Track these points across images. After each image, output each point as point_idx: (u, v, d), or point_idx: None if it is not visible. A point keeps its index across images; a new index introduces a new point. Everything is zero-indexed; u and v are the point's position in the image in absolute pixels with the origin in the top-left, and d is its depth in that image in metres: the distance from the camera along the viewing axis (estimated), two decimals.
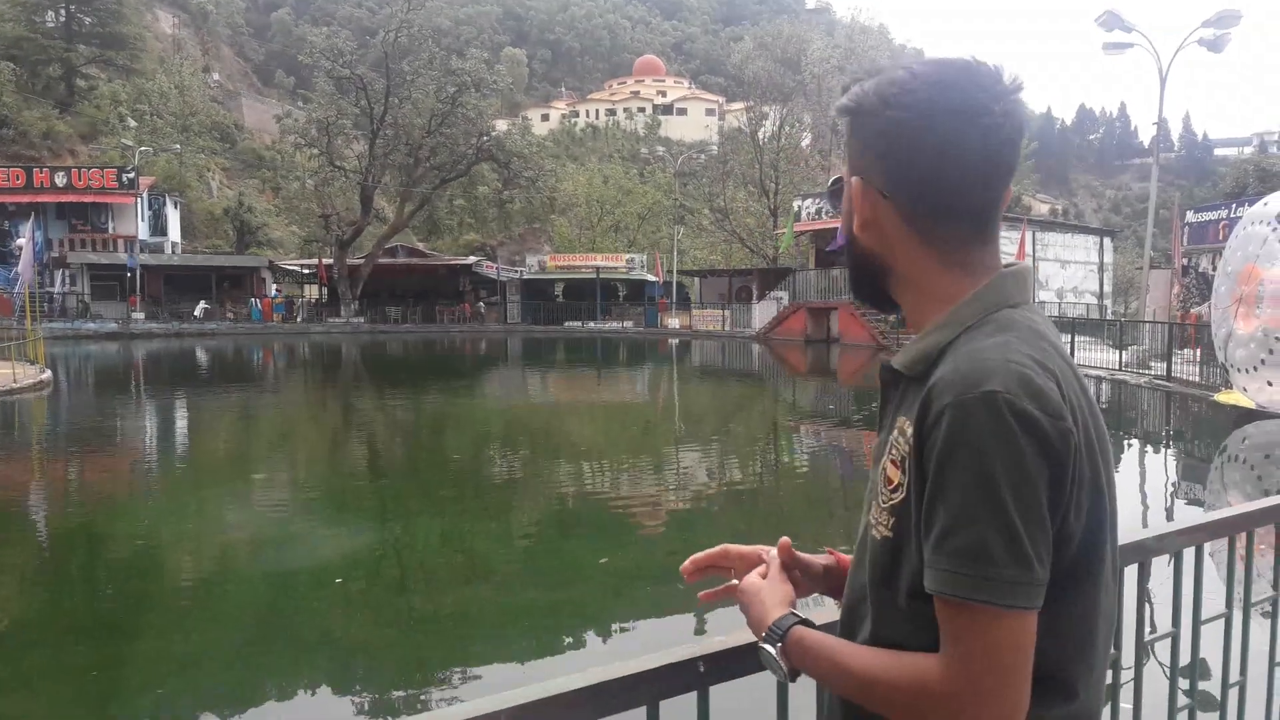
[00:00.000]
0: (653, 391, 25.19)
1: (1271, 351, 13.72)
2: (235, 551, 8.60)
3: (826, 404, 21.56)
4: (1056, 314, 33.63)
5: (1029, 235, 32.45)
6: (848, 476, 12.76)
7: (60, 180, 48.81)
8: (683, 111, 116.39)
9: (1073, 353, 18.39)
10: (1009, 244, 37.16)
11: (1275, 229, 14.12)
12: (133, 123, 68.99)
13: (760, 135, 53.78)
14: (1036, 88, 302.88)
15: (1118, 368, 21.86)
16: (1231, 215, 24.82)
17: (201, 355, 34.46)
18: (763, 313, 41.59)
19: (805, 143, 57.39)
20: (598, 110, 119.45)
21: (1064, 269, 38.08)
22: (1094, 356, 23.07)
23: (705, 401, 22.40)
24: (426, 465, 13.37)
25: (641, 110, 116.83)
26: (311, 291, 54.29)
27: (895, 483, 1.07)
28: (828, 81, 52.15)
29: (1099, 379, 21.14)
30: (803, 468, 13.58)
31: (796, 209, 42.31)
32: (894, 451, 1.07)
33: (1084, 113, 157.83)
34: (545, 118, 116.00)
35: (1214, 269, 20.74)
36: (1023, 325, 1.06)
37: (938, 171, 1.09)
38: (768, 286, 43.68)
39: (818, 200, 42.31)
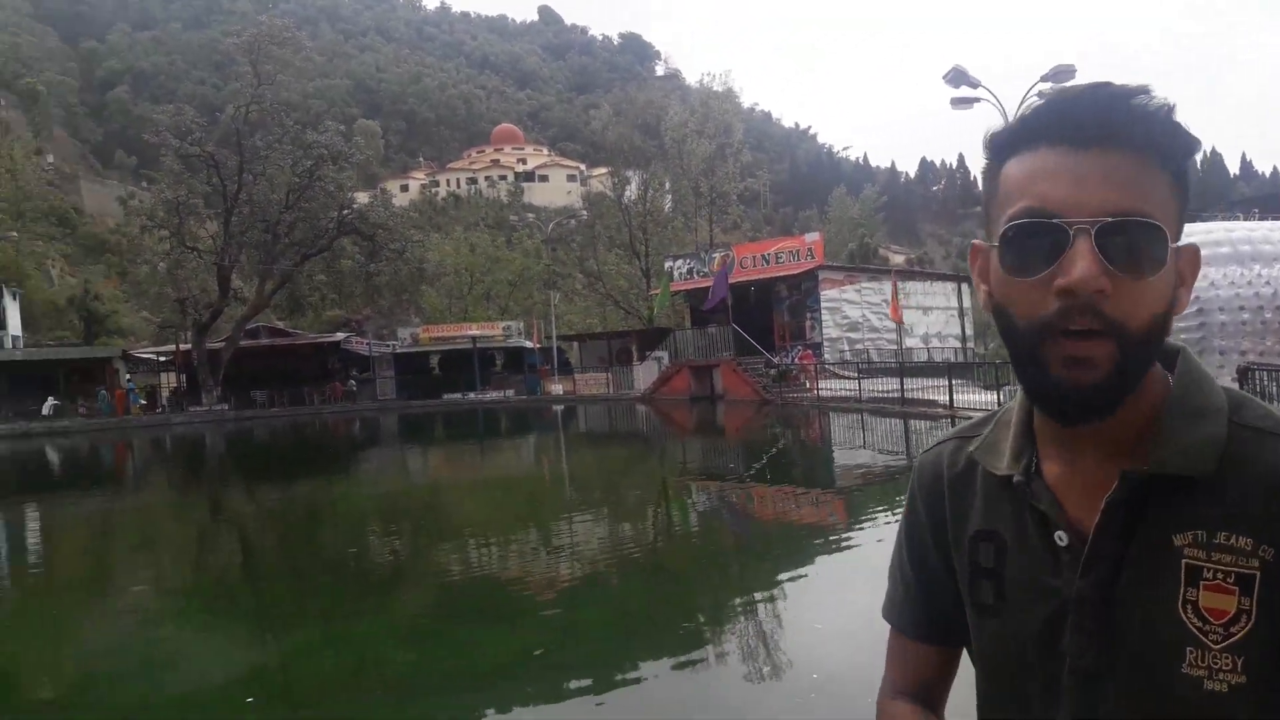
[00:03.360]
0: (543, 461, 24.65)
1: None
2: (106, 676, 7.69)
3: (721, 460, 21.47)
4: (925, 359, 34.81)
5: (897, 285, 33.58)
6: (743, 533, 12.59)
7: None
8: (544, 178, 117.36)
9: (951, 397, 18.87)
10: (875, 294, 38.55)
11: None
12: None
13: (625, 199, 54.50)
14: (880, 144, 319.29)
15: (997, 408, 22.57)
16: None
17: (53, 456, 32.01)
18: (645, 373, 41.62)
19: (668, 206, 58.45)
20: (458, 179, 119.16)
21: (926, 315, 39.57)
22: (971, 399, 23.82)
23: (600, 466, 21.99)
24: (312, 563, 12.50)
25: (503, 178, 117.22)
26: (170, 380, 51.53)
27: (1231, 613, 0.89)
28: (687, 145, 53.38)
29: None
30: (704, 527, 13.33)
31: (669, 269, 42.80)
32: (1215, 575, 0.89)
33: (926, 165, 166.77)
34: (405, 188, 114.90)
35: None
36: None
37: None
38: (647, 347, 43.83)
39: (688, 260, 42.95)
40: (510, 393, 47.56)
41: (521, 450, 27.87)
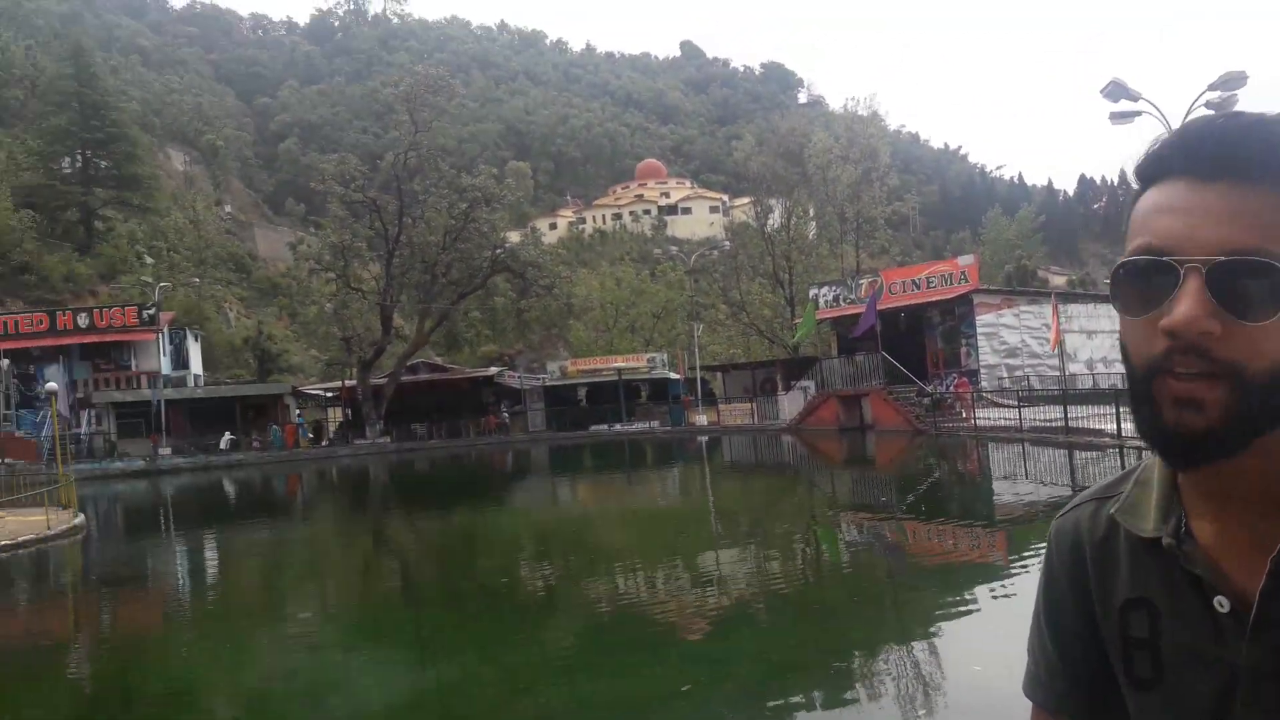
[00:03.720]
0: (690, 493, 24.64)
1: None
2: (279, 700, 8.10)
3: (873, 493, 20.96)
4: (1091, 385, 33.08)
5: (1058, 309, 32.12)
6: (897, 569, 12.20)
7: (83, 321, 49.38)
8: (687, 210, 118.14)
9: (1119, 425, 17.73)
10: (1034, 318, 36.98)
11: None
12: (150, 260, 70.41)
13: (768, 228, 54.28)
14: (1035, 162, 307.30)
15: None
16: None
17: (230, 488, 34.15)
18: (790, 403, 41.13)
19: (812, 233, 57.88)
20: (604, 215, 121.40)
21: (1091, 339, 37.63)
22: None
23: (747, 499, 21.79)
24: (469, 590, 12.84)
25: (647, 212, 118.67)
26: (336, 414, 54.25)
27: None
28: (831, 171, 52.83)
29: None
30: (855, 562, 12.99)
31: (814, 297, 42.24)
32: None
33: (1085, 182, 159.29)
34: (553, 226, 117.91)
35: None
36: None
37: None
38: (792, 377, 43.34)
39: (834, 287, 42.30)
40: (655, 424, 47.85)
41: (668, 482, 27.95)
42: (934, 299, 37.11)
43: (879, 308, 35.77)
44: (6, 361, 46.81)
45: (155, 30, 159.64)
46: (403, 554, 16.90)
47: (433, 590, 13.25)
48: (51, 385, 27.86)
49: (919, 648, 8.13)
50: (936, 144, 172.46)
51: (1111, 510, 1.03)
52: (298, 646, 10.03)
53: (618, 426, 47.38)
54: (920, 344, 38.22)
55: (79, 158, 76.39)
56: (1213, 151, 0.84)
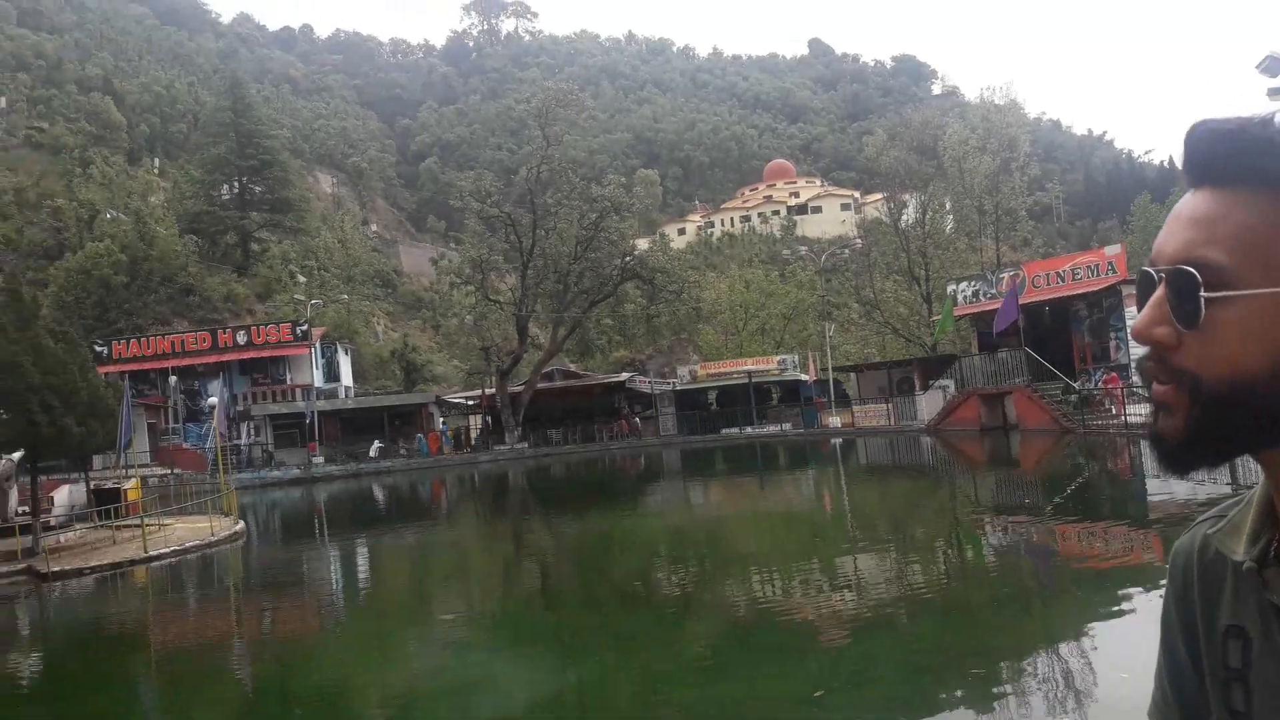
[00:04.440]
0: (825, 495, 24.32)
1: None
2: (426, 697, 8.46)
3: (1017, 495, 20.23)
4: None
5: None
6: (1044, 573, 11.75)
7: (241, 339, 52.56)
8: (817, 210, 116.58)
9: None
10: None
11: None
12: (302, 278, 74.26)
13: (902, 223, 53.07)
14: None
15: None
16: None
17: (379, 494, 35.67)
18: (929, 403, 40.04)
19: (949, 227, 56.27)
20: (732, 218, 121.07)
21: None
22: None
23: (885, 502, 21.36)
24: (607, 592, 13.09)
25: (776, 213, 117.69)
26: (477, 421, 55.97)
27: None
28: (968, 163, 51.27)
29: None
30: (1000, 565, 12.57)
31: (952, 293, 41.05)
32: None
33: None
34: (682, 232, 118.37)
35: None
36: None
37: None
38: (930, 376, 42.20)
39: (973, 282, 41.02)
40: (786, 426, 47.38)
41: (802, 484, 27.68)
42: (1080, 291, 35.51)
43: (1021, 302, 34.50)
44: (175, 378, 50.26)
45: (304, 60, 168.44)
46: (543, 556, 17.31)
47: (572, 592, 13.55)
48: (213, 399, 29.72)
49: (1063, 653, 7.85)
50: (1079, 130, 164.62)
51: (1210, 531, 0.98)
52: (445, 646, 10.44)
53: (749, 429, 47.16)
54: (1066, 339, 36.65)
55: (236, 184, 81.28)
56: (1193, 159, 0.84)
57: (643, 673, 8.61)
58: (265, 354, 52.21)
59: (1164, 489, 17.99)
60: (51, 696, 9.84)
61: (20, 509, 20.26)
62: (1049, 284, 36.63)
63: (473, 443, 51.58)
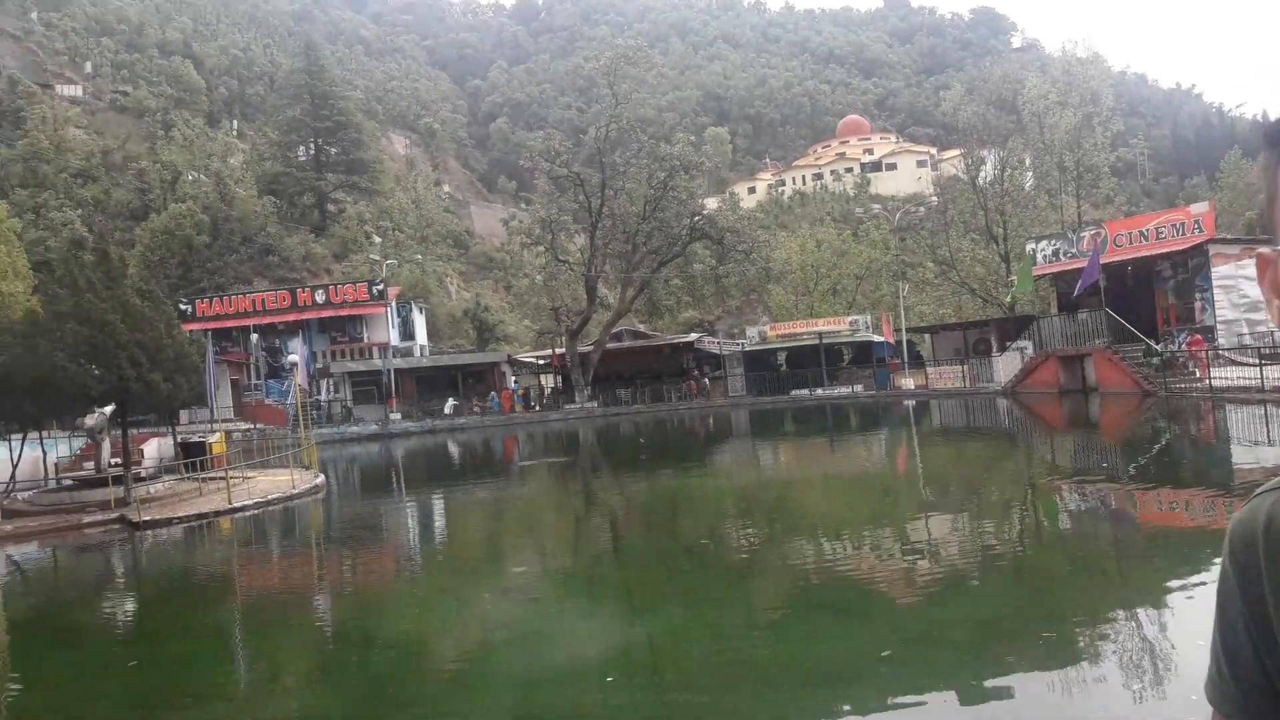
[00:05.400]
0: (897, 457, 24.10)
1: None
2: (500, 647, 8.68)
3: (1096, 459, 19.79)
4: None
5: None
6: (1121, 537, 11.52)
7: (320, 298, 53.75)
8: (892, 167, 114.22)
9: None
10: None
11: None
12: (378, 239, 75.47)
13: (980, 180, 51.77)
14: None
15: None
16: None
17: (454, 449, 36.36)
18: (1006, 365, 39.25)
19: (1028, 184, 54.73)
20: (804, 176, 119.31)
21: None
22: None
23: (959, 464, 21.08)
24: (675, 550, 13.21)
25: (849, 170, 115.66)
26: (547, 380, 56.53)
27: None
28: (1048, 118, 49.68)
29: None
30: (1076, 530, 12.35)
31: (1030, 252, 40.01)
32: None
33: None
34: (752, 190, 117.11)
35: None
36: None
37: None
38: (1007, 337, 41.32)
39: (1053, 241, 39.91)
40: (858, 388, 46.90)
41: (873, 446, 27.45)
42: (1164, 251, 34.32)
43: (1102, 261, 33.49)
44: (256, 335, 51.67)
45: (375, 21, 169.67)
46: (613, 513, 17.52)
47: (641, 548, 13.71)
48: (294, 357, 30.49)
49: (1140, 620, 7.73)
50: (1166, 84, 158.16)
51: (1275, 503, 0.95)
52: (517, 598, 10.68)
53: (819, 391, 46.81)
54: (1149, 299, 35.53)
55: (312, 146, 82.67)
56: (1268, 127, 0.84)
57: (712, 629, 8.70)
58: (343, 312, 53.35)
59: (1250, 455, 17.45)
60: (145, 638, 10.34)
61: (113, 461, 21.16)
62: (1131, 243, 35.47)
63: (543, 401, 52.17)
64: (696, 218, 50.09)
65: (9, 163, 75.10)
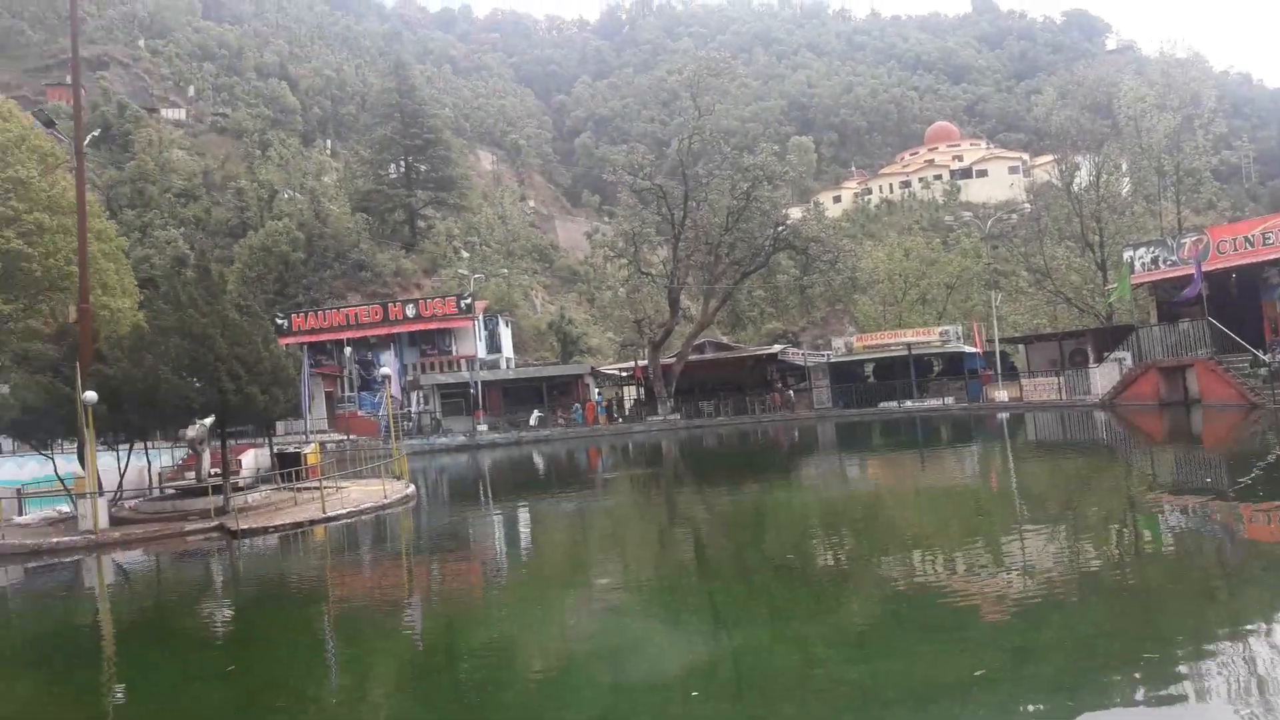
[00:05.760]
0: (991, 471, 23.48)
1: None
2: (585, 658, 8.71)
3: (1199, 474, 18.98)
4: None
5: None
6: (1226, 556, 11.00)
7: (410, 311, 55.02)
8: (983, 173, 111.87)
9: None
10: None
11: None
12: (465, 253, 76.87)
13: (1074, 186, 50.34)
14: None
15: None
16: None
17: (539, 461, 36.71)
18: (1104, 376, 37.97)
19: (1125, 190, 53.01)
20: (891, 185, 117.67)
21: None
22: None
23: (1055, 479, 20.40)
24: (761, 565, 13.08)
25: (938, 178, 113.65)
26: (630, 392, 56.75)
27: None
28: (1145, 121, 48.13)
29: None
30: (1179, 547, 11.83)
31: (1128, 260, 38.73)
32: None
33: None
34: (837, 199, 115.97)
35: None
36: None
37: None
38: (1105, 347, 40.00)
39: (1152, 248, 38.56)
40: (949, 400, 45.87)
41: (966, 460, 26.79)
42: (1272, 257, 32.83)
43: (1205, 269, 32.21)
44: (349, 349, 53.08)
45: (463, 40, 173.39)
46: (697, 526, 17.46)
47: (726, 562, 13.61)
48: (386, 370, 31.23)
49: (1249, 643, 7.37)
50: (1272, 84, 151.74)
51: None
52: (602, 610, 10.70)
53: (908, 403, 45.95)
54: (1255, 308, 34.00)
55: (402, 163, 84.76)
56: None
57: (798, 645, 8.59)
58: (433, 326, 54.52)
59: None
60: (242, 642, 10.67)
61: (212, 471, 21.92)
62: (1236, 249, 34.02)
63: (626, 413, 52.35)
64: (780, 228, 49.79)
65: (118, 184, 78.78)
